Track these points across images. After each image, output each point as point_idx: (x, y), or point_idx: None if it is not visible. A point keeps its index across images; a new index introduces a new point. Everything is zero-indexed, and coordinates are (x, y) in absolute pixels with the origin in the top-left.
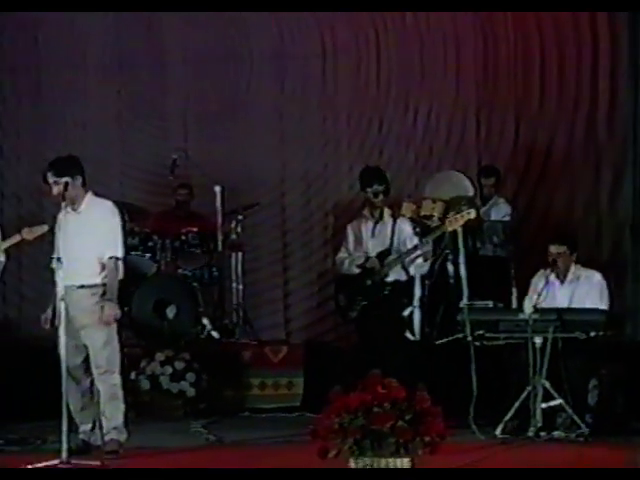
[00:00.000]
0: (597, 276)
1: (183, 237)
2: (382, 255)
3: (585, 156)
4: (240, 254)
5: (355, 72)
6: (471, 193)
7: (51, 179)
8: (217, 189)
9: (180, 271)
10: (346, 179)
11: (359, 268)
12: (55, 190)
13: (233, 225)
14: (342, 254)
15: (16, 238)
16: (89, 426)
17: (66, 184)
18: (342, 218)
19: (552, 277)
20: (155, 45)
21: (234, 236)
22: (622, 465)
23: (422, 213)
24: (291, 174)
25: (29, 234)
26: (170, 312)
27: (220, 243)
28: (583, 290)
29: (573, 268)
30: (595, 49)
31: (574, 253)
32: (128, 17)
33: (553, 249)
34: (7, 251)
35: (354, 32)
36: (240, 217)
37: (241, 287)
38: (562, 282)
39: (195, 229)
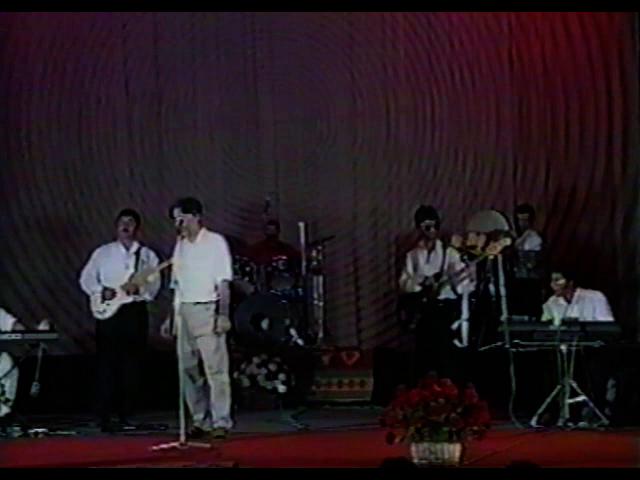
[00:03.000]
0: (598, 294)
1: (274, 264)
2: (435, 277)
3: (603, 196)
4: (321, 277)
5: (414, 127)
6: (506, 227)
7: (177, 213)
8: (301, 225)
9: (272, 291)
10: (406, 215)
11: (420, 286)
12: (178, 222)
13: (314, 254)
14: (403, 277)
15: (165, 264)
16: (202, 415)
17: (188, 219)
18: (403, 248)
19: (560, 300)
20: (252, 109)
21: (315, 263)
22: (635, 450)
23: (468, 243)
24: (362, 212)
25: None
26: (264, 324)
27: (304, 268)
28: (590, 307)
29: (578, 291)
30: (610, 110)
31: (570, 280)
32: (229, 87)
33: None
34: (163, 273)
35: (413, 94)
36: (320, 247)
37: (321, 304)
38: (569, 302)
39: (284, 257)
